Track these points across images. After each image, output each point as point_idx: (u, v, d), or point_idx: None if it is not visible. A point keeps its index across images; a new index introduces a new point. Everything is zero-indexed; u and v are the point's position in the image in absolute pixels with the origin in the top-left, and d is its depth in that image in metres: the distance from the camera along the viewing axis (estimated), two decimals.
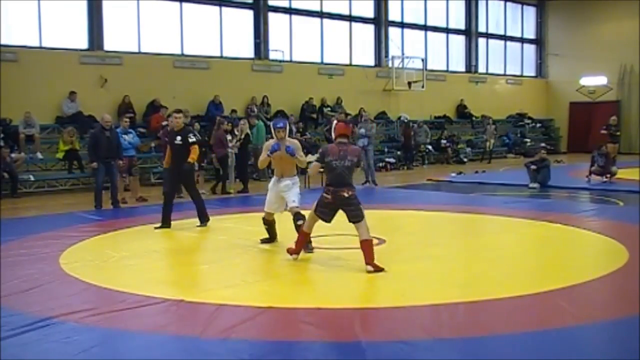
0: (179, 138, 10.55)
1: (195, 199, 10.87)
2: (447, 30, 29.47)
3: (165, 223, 10.59)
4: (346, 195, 7.63)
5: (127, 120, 14.87)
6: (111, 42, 19.47)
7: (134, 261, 8.23)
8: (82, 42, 19.14)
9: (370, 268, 7.40)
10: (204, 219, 10.82)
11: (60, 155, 17.42)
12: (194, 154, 10.66)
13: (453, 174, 19.98)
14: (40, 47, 18.33)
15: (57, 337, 5.47)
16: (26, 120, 17.33)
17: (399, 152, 24.65)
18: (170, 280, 7.16)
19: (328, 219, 7.86)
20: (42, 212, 13.33)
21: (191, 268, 7.89)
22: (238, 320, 5.77)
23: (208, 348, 5.07)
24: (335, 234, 9.93)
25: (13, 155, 16.30)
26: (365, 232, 7.62)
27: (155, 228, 10.43)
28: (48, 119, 18.25)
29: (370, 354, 4.99)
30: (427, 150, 25.10)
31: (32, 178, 16.83)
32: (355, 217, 7.69)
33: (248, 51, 22.75)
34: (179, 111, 11.05)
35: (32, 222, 11.78)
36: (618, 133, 21.49)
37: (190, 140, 10.61)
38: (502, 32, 31.87)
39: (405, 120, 25.89)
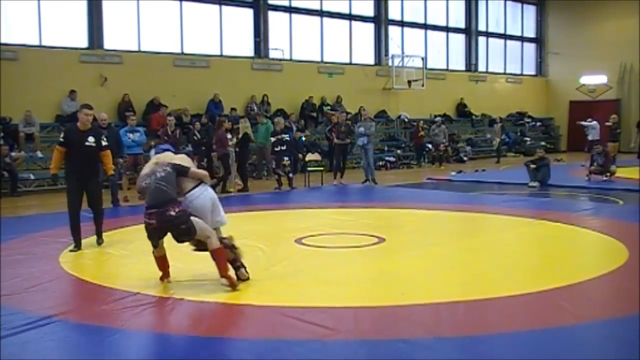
0: (91, 139, 8.88)
1: (98, 215, 9.33)
2: (447, 29, 29.47)
3: (79, 244, 8.94)
4: (172, 214, 6.49)
5: (134, 118, 14.94)
6: (111, 40, 19.46)
7: (133, 260, 8.23)
8: (82, 41, 19.13)
9: (224, 281, 6.56)
10: (101, 239, 9.37)
11: None
12: (109, 162, 9.27)
13: (453, 173, 19.98)
14: (40, 46, 18.33)
15: (57, 335, 5.48)
16: (26, 118, 17.34)
17: (399, 151, 24.65)
18: (170, 279, 7.15)
19: (155, 244, 6.90)
20: (42, 210, 13.33)
21: (191, 266, 7.87)
22: (238, 320, 5.78)
23: (208, 347, 5.07)
24: (333, 233, 9.95)
25: (13, 153, 16.30)
26: (214, 241, 6.63)
27: (71, 250, 8.78)
28: (48, 118, 18.24)
29: (370, 353, 5.00)
30: (444, 151, 24.53)
31: (32, 177, 16.83)
32: (187, 234, 6.60)
33: (248, 50, 22.74)
34: (88, 107, 9.10)
35: (32, 220, 11.78)
36: (618, 131, 21.49)
37: (103, 143, 9.03)
38: (502, 31, 31.87)
39: (405, 119, 25.94)
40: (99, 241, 9.28)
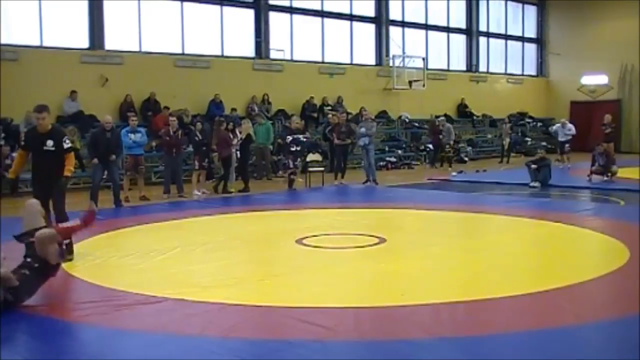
0: (50, 142, 8.13)
1: (62, 219, 8.35)
2: (447, 30, 29.45)
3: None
4: None
5: (135, 119, 14.95)
6: (112, 41, 19.45)
7: (134, 260, 8.23)
8: (83, 41, 19.13)
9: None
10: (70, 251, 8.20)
11: None
12: (70, 164, 8.37)
13: (454, 173, 19.98)
14: (41, 47, 18.32)
15: (58, 335, 5.49)
16: (27, 119, 17.28)
17: (399, 151, 24.63)
18: (170, 280, 7.16)
19: None
20: None
21: (192, 267, 7.89)
22: (238, 320, 5.79)
23: (208, 347, 5.07)
24: (334, 233, 9.95)
25: (14, 154, 16.29)
26: None
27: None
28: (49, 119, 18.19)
29: (370, 353, 5.00)
30: (452, 151, 23.98)
31: None
32: None
33: (249, 50, 22.74)
34: (38, 110, 8.29)
35: None
36: (608, 131, 21.39)
37: (65, 146, 8.26)
38: (503, 31, 31.82)
39: (406, 120, 25.94)
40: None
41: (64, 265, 7.33)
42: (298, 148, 16.41)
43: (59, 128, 8.91)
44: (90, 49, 19.15)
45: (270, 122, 20.62)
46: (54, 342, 5.37)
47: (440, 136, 23.34)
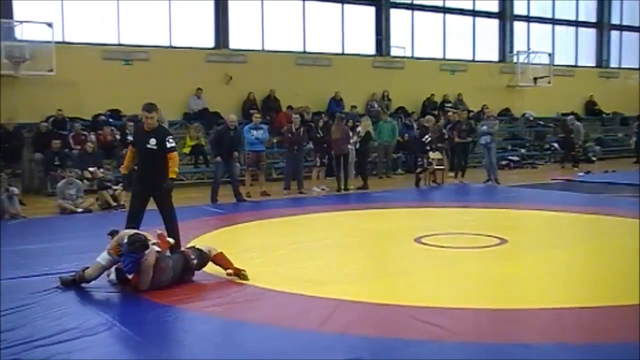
0: (153, 141, 8.05)
1: (169, 222, 8.31)
2: (576, 23, 28.30)
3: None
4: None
5: (258, 116, 15.31)
6: (236, 40, 20.00)
7: (253, 254, 8.40)
8: (208, 41, 19.76)
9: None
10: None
11: (186, 150, 18.06)
12: (174, 165, 8.18)
13: (580, 174, 19.20)
14: (170, 47, 19.08)
15: (179, 324, 5.70)
16: (158, 118, 18.04)
17: (522, 150, 23.94)
18: (289, 274, 7.26)
19: None
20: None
21: (310, 263, 7.97)
22: (355, 317, 5.78)
23: (325, 343, 5.10)
24: (453, 232, 9.80)
25: None
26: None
27: None
28: (176, 115, 18.94)
29: (488, 356, 4.88)
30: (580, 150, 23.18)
31: None
32: None
33: (369, 48, 22.75)
34: (147, 109, 8.22)
35: (159, 214, 12.22)
36: None
37: (168, 145, 8.13)
38: (637, 24, 30.20)
39: (530, 118, 25.18)
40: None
41: None
42: (432, 146, 16.28)
43: (164, 127, 8.76)
44: (216, 48, 19.75)
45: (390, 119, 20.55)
46: (174, 330, 5.58)
47: (572, 135, 22.49)
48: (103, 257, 6.67)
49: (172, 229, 8.18)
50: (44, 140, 15.69)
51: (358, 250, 8.85)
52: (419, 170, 16.45)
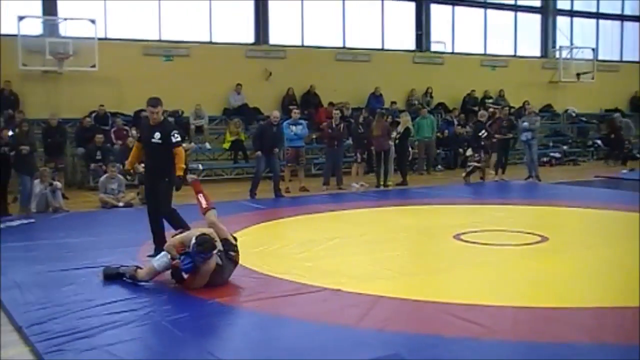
0: (157, 135, 7.92)
1: (164, 218, 8.16)
2: (621, 17, 27.76)
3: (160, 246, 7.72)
4: None
5: (297, 112, 15.36)
6: (276, 36, 20.05)
7: (292, 249, 8.44)
8: (248, 37, 19.85)
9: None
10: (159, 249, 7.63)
11: (226, 145, 18.20)
12: (180, 162, 8.01)
13: (624, 171, 18.86)
14: (210, 42, 19.21)
15: (219, 319, 5.74)
16: (196, 111, 18.26)
17: (564, 147, 23.59)
18: (327, 270, 7.27)
19: None
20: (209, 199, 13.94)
21: (349, 258, 7.97)
22: (394, 313, 5.77)
23: (363, 339, 5.10)
24: (493, 229, 9.71)
25: (184, 145, 17.14)
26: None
27: (149, 256, 7.70)
28: (216, 111, 19.08)
29: (528, 355, 4.84)
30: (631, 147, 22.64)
31: (200, 167, 17.66)
32: None
33: (409, 43, 22.63)
34: (152, 104, 8.02)
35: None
36: None
37: (173, 140, 7.96)
38: None
39: (572, 114, 24.80)
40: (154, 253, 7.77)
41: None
42: (487, 142, 16.16)
43: (169, 121, 8.48)
44: (256, 44, 19.83)
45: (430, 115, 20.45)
46: (214, 324, 5.62)
47: (622, 132, 22.08)
48: (159, 264, 6.66)
49: (161, 227, 8.10)
50: (87, 135, 15.92)
51: (397, 247, 8.81)
52: (472, 164, 16.30)
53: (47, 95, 16.57)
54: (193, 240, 6.36)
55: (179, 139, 8.01)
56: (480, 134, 16.23)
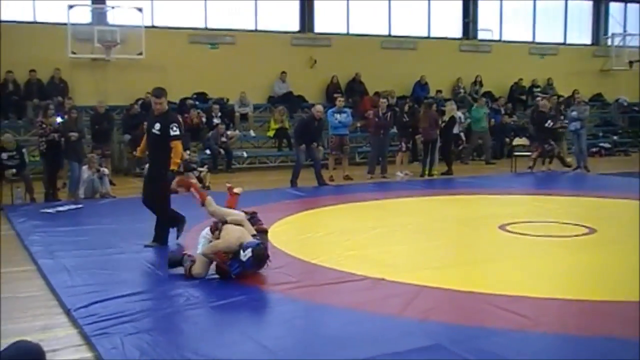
0: (157, 126, 7.76)
1: (159, 215, 8.07)
2: None
3: (158, 238, 8.00)
4: None
5: (342, 100, 15.34)
6: (321, 24, 20.01)
7: (335, 238, 8.43)
8: (294, 25, 19.84)
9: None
10: (159, 240, 8.01)
11: (270, 133, 18.25)
12: (176, 156, 7.75)
13: None
14: (255, 30, 19.25)
15: (262, 306, 5.78)
16: (241, 99, 18.36)
17: (615, 137, 23.09)
18: (371, 259, 7.24)
19: None
20: (253, 187, 14.00)
21: (391, 248, 7.94)
22: (437, 303, 5.73)
23: (405, 328, 5.07)
24: (539, 221, 9.57)
25: (229, 132, 17.29)
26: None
27: (146, 246, 7.90)
28: (260, 99, 19.14)
29: (573, 348, 4.75)
30: None
31: (245, 154, 17.77)
32: None
33: (456, 31, 22.37)
34: (160, 95, 7.89)
35: (243, 196, 12.34)
36: None
37: (171, 132, 7.73)
38: None
39: (623, 104, 24.24)
40: (149, 243, 7.95)
41: (271, 239, 7.66)
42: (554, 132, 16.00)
43: (171, 113, 8.21)
44: (301, 32, 19.81)
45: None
46: (257, 311, 5.66)
47: None
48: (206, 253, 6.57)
49: (158, 226, 7.99)
50: (133, 123, 16.08)
51: (441, 236, 8.74)
52: (543, 153, 16.21)
53: (95, 82, 16.81)
54: (249, 254, 6.20)
55: (177, 132, 7.76)
56: (546, 124, 15.99)
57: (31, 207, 11.13)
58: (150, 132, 7.86)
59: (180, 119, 8.98)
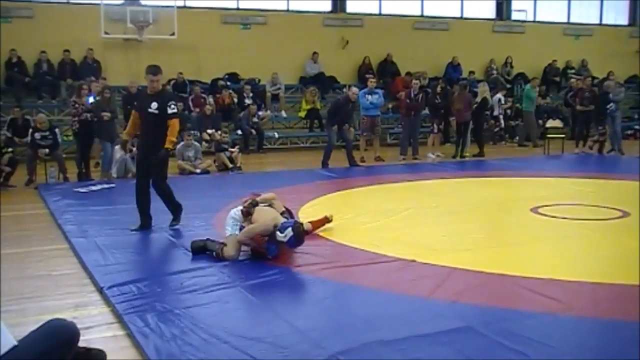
0: (154, 105, 7.59)
1: (162, 195, 7.98)
2: None
3: (144, 222, 7.92)
4: None
5: (374, 80, 15.29)
6: (353, 4, 19.91)
7: (366, 219, 8.42)
8: (325, 5, 19.77)
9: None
10: (176, 217, 8.04)
11: (302, 114, 18.26)
12: (172, 134, 7.69)
13: None
14: (287, 11, 19.21)
15: (293, 286, 5.82)
16: (273, 79, 18.36)
17: None
18: (402, 240, 7.23)
19: None
20: (284, 167, 14.08)
21: (422, 229, 7.91)
22: (468, 285, 5.71)
23: (437, 310, 5.06)
24: (572, 203, 9.47)
25: (260, 112, 17.32)
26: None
27: (132, 230, 7.80)
28: (292, 79, 19.14)
29: (606, 332, 4.71)
30: None
31: (276, 135, 17.81)
32: None
33: (489, 11, 22.11)
34: (152, 72, 7.71)
35: (275, 176, 12.48)
36: None
37: (169, 111, 7.62)
38: None
39: None
40: (172, 223, 7.96)
41: (302, 220, 7.66)
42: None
43: (168, 91, 7.83)
44: (333, 12, 19.74)
45: (509, 85, 19.99)
46: (288, 291, 5.70)
47: None
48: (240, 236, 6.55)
49: (165, 202, 7.95)
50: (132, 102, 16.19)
51: (472, 218, 8.69)
52: (597, 138, 16.10)
53: (127, 62, 16.92)
54: (290, 234, 6.25)
55: (175, 110, 7.69)
56: (608, 106, 15.77)
57: (64, 186, 11.29)
58: (145, 112, 7.68)
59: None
